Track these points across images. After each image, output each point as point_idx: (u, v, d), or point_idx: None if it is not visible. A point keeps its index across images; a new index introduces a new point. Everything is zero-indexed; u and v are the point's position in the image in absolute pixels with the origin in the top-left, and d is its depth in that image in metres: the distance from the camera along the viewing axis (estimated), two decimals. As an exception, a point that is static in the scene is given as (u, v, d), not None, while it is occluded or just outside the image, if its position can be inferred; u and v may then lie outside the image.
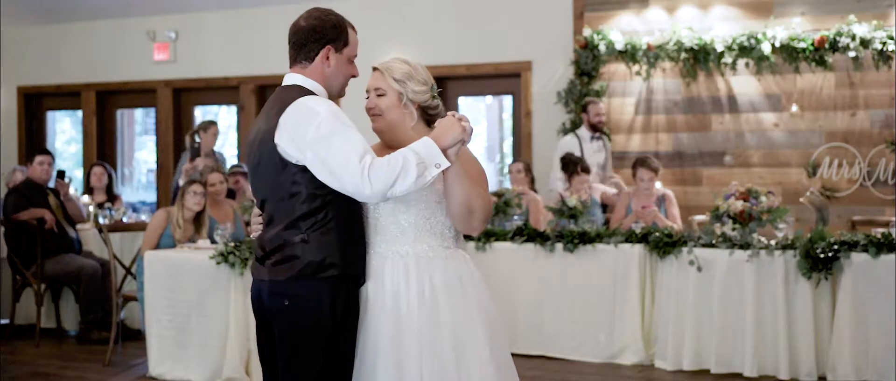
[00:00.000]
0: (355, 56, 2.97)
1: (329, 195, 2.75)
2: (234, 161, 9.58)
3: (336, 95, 2.98)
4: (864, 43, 7.28)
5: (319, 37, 2.88)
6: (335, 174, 2.67)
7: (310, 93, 2.85)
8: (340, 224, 2.78)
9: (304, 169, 2.74)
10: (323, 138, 2.68)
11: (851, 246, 5.57)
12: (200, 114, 10.43)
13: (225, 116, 11.13)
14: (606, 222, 7.01)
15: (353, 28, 2.96)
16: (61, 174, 7.37)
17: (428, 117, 2.96)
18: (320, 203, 2.76)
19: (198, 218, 6.35)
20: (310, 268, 2.76)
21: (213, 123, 8.10)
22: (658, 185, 7.10)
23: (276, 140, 2.77)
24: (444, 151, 2.70)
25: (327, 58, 2.89)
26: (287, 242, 2.80)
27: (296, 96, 2.80)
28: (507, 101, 9.50)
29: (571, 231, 6.30)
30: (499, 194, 6.74)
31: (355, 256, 2.82)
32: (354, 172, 2.64)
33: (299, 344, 2.80)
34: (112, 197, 8.23)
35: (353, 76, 2.97)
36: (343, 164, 2.65)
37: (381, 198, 2.67)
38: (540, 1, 8.41)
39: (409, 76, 2.91)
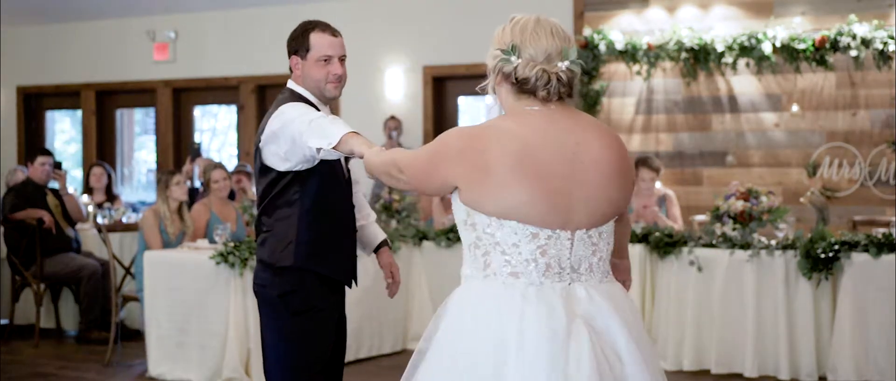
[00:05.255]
0: (327, 56, 3.11)
1: (296, 194, 3.05)
2: (234, 162, 9.57)
3: (328, 98, 3.18)
4: (865, 43, 7.27)
5: (289, 51, 3.18)
6: (297, 143, 2.94)
7: (298, 96, 3.13)
8: (304, 221, 3.06)
9: (277, 171, 3.06)
10: (287, 121, 2.97)
11: (852, 246, 5.57)
12: (200, 114, 10.43)
13: (225, 116, 11.13)
14: None
15: (322, 29, 3.14)
16: (58, 165, 7.37)
17: (524, 89, 2.28)
18: (286, 200, 3.07)
19: (179, 209, 6.43)
20: (272, 257, 3.09)
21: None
22: (659, 185, 7.10)
23: (261, 145, 3.10)
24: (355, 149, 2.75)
25: (296, 66, 3.16)
26: (260, 230, 3.16)
27: (281, 101, 3.10)
28: (508, 101, 9.48)
29: (571, 231, 6.29)
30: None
31: (317, 252, 3.07)
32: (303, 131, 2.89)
33: (262, 324, 3.16)
34: (111, 197, 8.23)
35: (336, 74, 3.12)
36: (299, 130, 2.91)
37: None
38: (540, 1, 8.39)
39: (493, 42, 2.37)
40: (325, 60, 3.10)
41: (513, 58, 2.25)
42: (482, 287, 2.22)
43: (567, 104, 2.30)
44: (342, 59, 3.16)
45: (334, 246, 3.12)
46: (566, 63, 2.25)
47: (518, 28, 2.27)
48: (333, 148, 2.77)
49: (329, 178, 3.07)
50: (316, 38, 3.11)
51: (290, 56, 3.17)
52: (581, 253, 2.23)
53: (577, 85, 2.42)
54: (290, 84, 3.17)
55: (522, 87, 2.25)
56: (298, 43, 3.14)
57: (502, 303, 2.16)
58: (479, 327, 2.17)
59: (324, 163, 3.03)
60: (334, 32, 3.16)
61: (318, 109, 3.10)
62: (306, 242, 3.06)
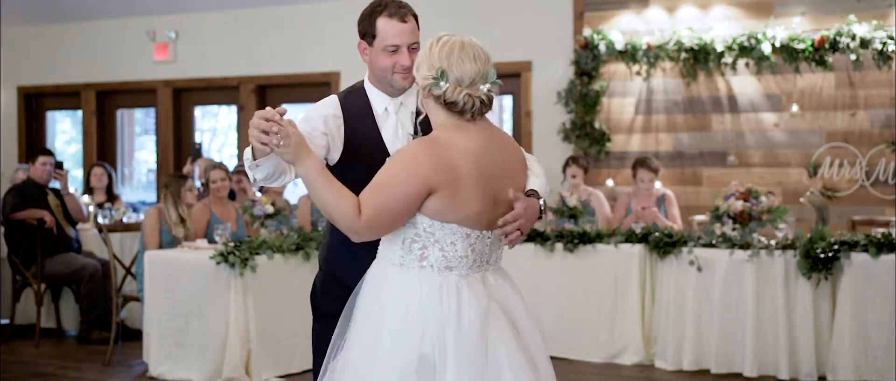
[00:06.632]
0: (395, 46, 2.85)
1: None
2: (234, 162, 9.58)
3: (396, 88, 2.94)
4: (865, 43, 7.27)
5: (358, 32, 2.94)
6: None
7: (358, 88, 2.99)
8: (331, 226, 2.95)
9: None
10: None
11: (851, 246, 5.58)
12: (200, 114, 10.43)
13: (225, 117, 11.14)
14: None
15: (390, 14, 2.85)
16: (59, 165, 7.38)
17: (453, 110, 2.57)
18: None
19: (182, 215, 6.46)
20: (319, 258, 3.12)
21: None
22: (658, 185, 7.11)
23: None
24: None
25: (364, 52, 2.94)
26: None
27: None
28: (507, 101, 9.49)
29: (571, 231, 6.30)
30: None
31: (333, 257, 3.01)
32: None
33: None
34: (112, 197, 8.24)
35: (404, 66, 2.86)
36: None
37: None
38: (540, 1, 8.41)
39: (423, 60, 2.59)
40: (393, 50, 2.85)
41: (442, 82, 2.52)
42: (418, 278, 2.53)
43: (486, 118, 2.63)
44: (413, 48, 2.87)
45: (367, 255, 2.73)
46: (487, 86, 2.55)
47: (445, 51, 2.53)
48: (255, 162, 2.61)
49: (365, 175, 2.59)
50: (383, 25, 2.84)
51: (360, 38, 2.91)
52: (493, 247, 2.63)
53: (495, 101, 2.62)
54: (365, 76, 2.98)
55: (451, 108, 2.54)
56: (365, 26, 2.87)
57: (443, 293, 2.50)
58: (419, 311, 2.49)
59: (356, 157, 2.83)
60: (404, 17, 2.85)
61: (374, 111, 2.92)
62: (338, 243, 2.90)
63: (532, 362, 2.56)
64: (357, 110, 2.92)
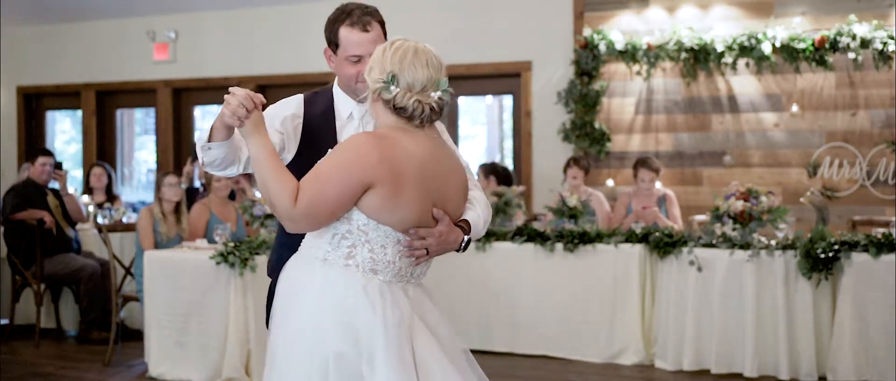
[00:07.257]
0: (357, 56, 2.80)
1: None
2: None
3: (359, 96, 2.82)
4: (865, 43, 7.28)
5: (325, 39, 2.90)
6: None
7: (327, 90, 2.94)
8: (279, 228, 2.93)
9: None
10: None
11: (852, 246, 5.57)
12: (200, 114, 10.43)
13: (225, 116, 11.11)
14: None
15: (352, 23, 2.81)
16: (58, 165, 7.38)
17: (402, 115, 2.54)
18: None
19: (176, 211, 6.44)
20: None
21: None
22: (658, 185, 7.10)
23: None
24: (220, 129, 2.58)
25: (329, 59, 2.90)
26: None
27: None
28: (507, 101, 9.50)
29: (571, 231, 6.30)
30: (498, 194, 6.76)
31: (277, 260, 2.87)
32: None
33: None
34: (111, 197, 8.23)
35: (358, 74, 2.80)
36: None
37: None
38: (540, 1, 8.40)
39: (375, 63, 2.55)
40: (356, 60, 2.80)
41: (392, 87, 2.48)
42: (343, 276, 2.47)
43: (436, 129, 2.62)
44: None
45: (289, 252, 2.74)
46: (438, 93, 2.52)
47: (397, 56, 2.49)
48: (209, 141, 2.57)
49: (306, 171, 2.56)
50: (345, 34, 2.80)
51: (326, 44, 2.88)
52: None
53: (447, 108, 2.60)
54: (336, 78, 2.94)
55: (399, 113, 2.50)
56: (329, 34, 2.84)
57: (368, 293, 2.44)
58: (342, 309, 2.43)
59: (310, 158, 2.70)
60: (366, 26, 2.80)
61: (339, 116, 2.88)
62: (280, 246, 2.89)
63: (460, 371, 2.52)
64: (319, 112, 2.88)
